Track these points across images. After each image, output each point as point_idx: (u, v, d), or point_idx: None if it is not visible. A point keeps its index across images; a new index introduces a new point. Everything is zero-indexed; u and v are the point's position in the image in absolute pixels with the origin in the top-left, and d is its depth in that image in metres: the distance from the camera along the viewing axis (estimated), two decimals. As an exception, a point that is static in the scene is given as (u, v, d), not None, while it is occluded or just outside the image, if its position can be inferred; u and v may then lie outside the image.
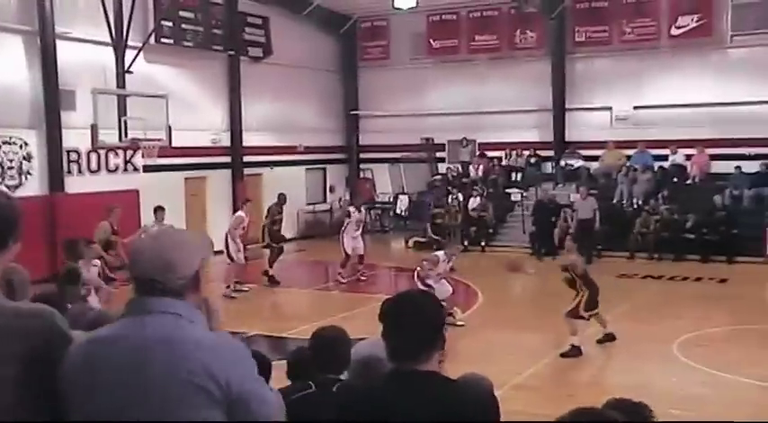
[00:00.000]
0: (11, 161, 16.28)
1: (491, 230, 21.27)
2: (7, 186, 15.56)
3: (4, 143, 16.13)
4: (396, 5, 21.43)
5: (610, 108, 22.47)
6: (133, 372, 2.08)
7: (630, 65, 22.21)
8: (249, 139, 21.86)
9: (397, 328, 2.70)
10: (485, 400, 2.91)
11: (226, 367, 2.10)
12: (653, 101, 21.65)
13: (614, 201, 20.59)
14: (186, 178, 20.05)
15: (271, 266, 16.23)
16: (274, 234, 16.38)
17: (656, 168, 21.07)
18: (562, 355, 10.17)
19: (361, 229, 16.61)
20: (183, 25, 19.80)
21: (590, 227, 18.27)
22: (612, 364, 9.95)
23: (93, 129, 15.70)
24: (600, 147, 22.06)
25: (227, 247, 14.97)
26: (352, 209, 16.83)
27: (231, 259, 14.98)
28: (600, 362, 10.25)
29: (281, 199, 16.70)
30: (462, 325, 11.77)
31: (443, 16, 24.42)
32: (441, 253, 12.48)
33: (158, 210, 14.66)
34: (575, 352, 10.16)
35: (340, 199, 24.98)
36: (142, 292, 2.18)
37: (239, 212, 15.87)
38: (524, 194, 21.94)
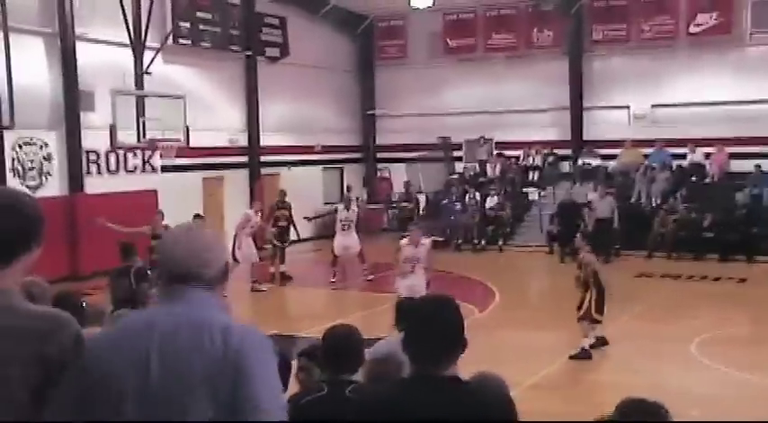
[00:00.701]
0: (31, 162, 16.42)
1: (508, 230, 21.25)
2: (28, 187, 15.70)
3: (25, 144, 16.27)
4: (413, 5, 21.43)
5: (627, 106, 22.36)
6: (167, 358, 2.14)
7: (648, 63, 22.09)
8: (266, 139, 21.92)
9: (418, 333, 2.70)
10: (506, 405, 2.91)
11: (248, 352, 2.15)
12: (671, 99, 21.52)
13: (632, 200, 20.49)
14: (204, 178, 20.14)
15: (281, 263, 16.37)
16: (277, 233, 16.39)
17: (674, 167, 20.95)
18: (571, 358, 10.05)
19: (352, 228, 15.98)
20: (201, 26, 19.89)
21: (608, 226, 18.18)
22: (629, 364, 9.89)
23: (112, 129, 15.83)
24: (618, 145, 21.92)
25: (233, 245, 15.08)
26: (340, 207, 16.35)
27: (234, 259, 14.97)
28: (616, 361, 10.21)
29: (280, 195, 16.81)
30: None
31: (460, 15, 24.40)
32: (405, 240, 11.55)
33: (197, 218, 14.61)
34: (585, 355, 10.06)
35: (357, 198, 24.95)
36: (177, 281, 2.25)
37: (247, 210, 15.94)
38: (542, 194, 21.87)
